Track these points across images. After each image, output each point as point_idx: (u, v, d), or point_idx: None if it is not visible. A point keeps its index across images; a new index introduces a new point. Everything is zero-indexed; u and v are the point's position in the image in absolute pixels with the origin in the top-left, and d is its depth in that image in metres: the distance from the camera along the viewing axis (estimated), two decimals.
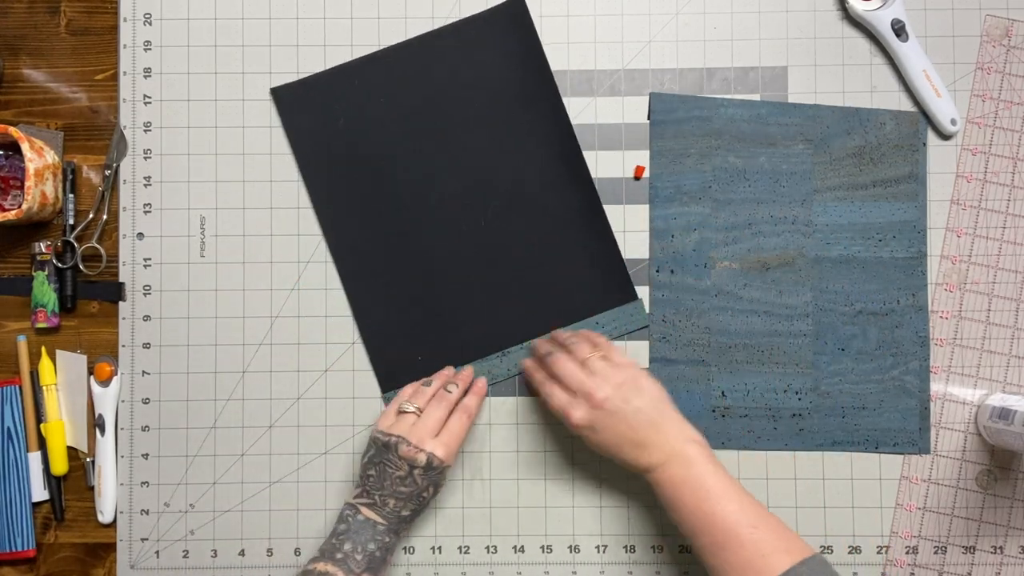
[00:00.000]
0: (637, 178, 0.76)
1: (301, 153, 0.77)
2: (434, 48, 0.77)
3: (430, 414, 0.70)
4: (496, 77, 0.76)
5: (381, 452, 0.68)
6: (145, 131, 0.78)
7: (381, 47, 0.77)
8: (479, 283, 0.76)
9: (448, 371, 0.74)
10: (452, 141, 0.76)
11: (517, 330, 0.76)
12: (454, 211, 0.76)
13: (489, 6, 0.77)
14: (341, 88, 0.76)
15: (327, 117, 0.76)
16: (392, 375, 0.76)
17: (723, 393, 0.75)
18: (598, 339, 0.72)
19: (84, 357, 0.77)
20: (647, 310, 0.76)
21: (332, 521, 0.69)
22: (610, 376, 0.67)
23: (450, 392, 0.71)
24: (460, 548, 0.76)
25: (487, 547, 0.76)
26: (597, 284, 0.76)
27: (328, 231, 0.76)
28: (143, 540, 0.76)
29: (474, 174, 0.76)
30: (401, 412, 0.70)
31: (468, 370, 0.75)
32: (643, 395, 0.67)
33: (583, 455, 0.76)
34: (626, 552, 0.75)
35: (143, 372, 0.77)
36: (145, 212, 0.77)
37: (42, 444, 0.76)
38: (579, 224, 0.76)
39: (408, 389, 0.72)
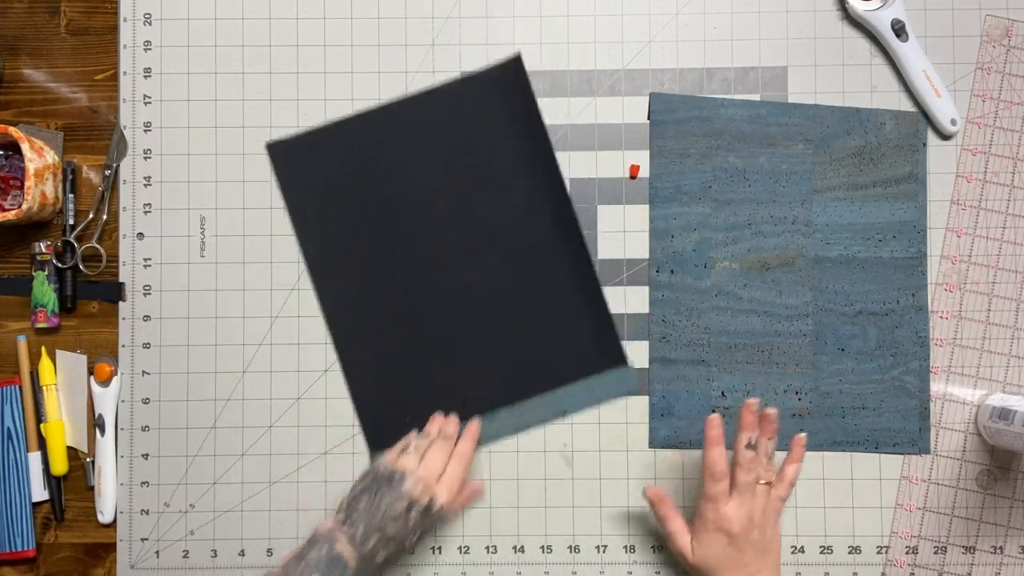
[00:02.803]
0: (632, 177, 0.76)
1: (295, 208, 0.76)
2: (431, 105, 0.76)
3: (433, 457, 0.69)
4: (492, 136, 0.76)
5: (380, 483, 0.66)
6: (145, 131, 0.78)
7: (381, 47, 0.77)
8: (470, 343, 0.75)
9: (440, 418, 0.74)
10: (446, 199, 0.76)
11: (506, 392, 0.75)
12: (446, 270, 0.76)
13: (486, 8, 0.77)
14: (337, 144, 0.76)
15: (322, 172, 0.76)
16: (380, 433, 0.75)
17: (723, 393, 0.75)
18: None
19: (84, 357, 0.77)
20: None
21: None
22: (768, 506, 0.68)
23: (449, 439, 0.71)
24: (460, 548, 0.76)
25: (487, 547, 0.76)
26: (589, 347, 0.75)
27: (320, 287, 0.76)
28: (143, 540, 0.76)
29: (467, 233, 0.76)
30: (404, 453, 0.69)
31: (472, 426, 0.74)
32: (776, 538, 0.68)
33: (583, 455, 0.76)
34: (626, 552, 0.75)
35: (143, 372, 0.77)
36: (145, 212, 0.77)
37: (42, 444, 0.77)
38: (571, 287, 0.75)
39: (403, 443, 0.71)
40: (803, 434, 0.70)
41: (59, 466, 0.76)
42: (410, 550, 0.67)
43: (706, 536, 0.68)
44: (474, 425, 0.74)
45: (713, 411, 0.75)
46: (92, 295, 0.77)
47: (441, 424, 0.72)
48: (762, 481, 0.68)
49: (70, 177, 0.77)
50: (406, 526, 0.65)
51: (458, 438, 0.72)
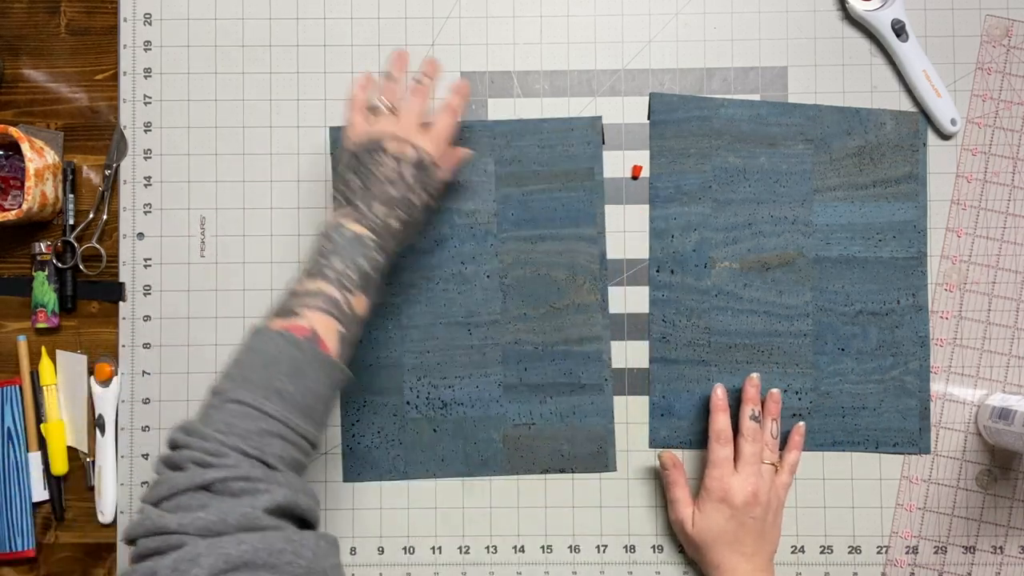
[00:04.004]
0: (635, 177, 0.76)
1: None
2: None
3: (410, 108, 0.64)
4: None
5: (362, 155, 0.62)
6: (145, 131, 0.78)
7: (381, 47, 0.77)
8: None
9: (402, 55, 0.68)
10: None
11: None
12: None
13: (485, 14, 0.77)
14: None
15: None
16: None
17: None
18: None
19: (84, 357, 0.77)
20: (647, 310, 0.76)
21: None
22: (772, 491, 0.70)
23: (421, 83, 0.66)
24: (460, 548, 0.76)
25: (487, 547, 0.76)
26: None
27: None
28: None
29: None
30: (372, 109, 0.64)
31: (433, 61, 0.68)
32: (776, 527, 0.70)
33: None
34: (626, 552, 0.75)
35: (143, 372, 0.77)
36: (145, 212, 0.77)
37: (42, 444, 0.76)
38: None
39: (361, 80, 0.66)
40: (801, 423, 0.72)
41: (59, 466, 0.76)
42: (424, 210, 0.64)
43: (708, 506, 0.69)
44: (462, 83, 0.69)
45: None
46: (92, 295, 0.77)
47: (404, 65, 0.67)
48: (767, 461, 0.69)
49: (70, 177, 0.77)
50: (406, 185, 0.61)
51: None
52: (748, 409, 0.71)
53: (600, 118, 0.77)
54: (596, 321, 0.76)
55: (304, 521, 0.53)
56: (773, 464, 0.70)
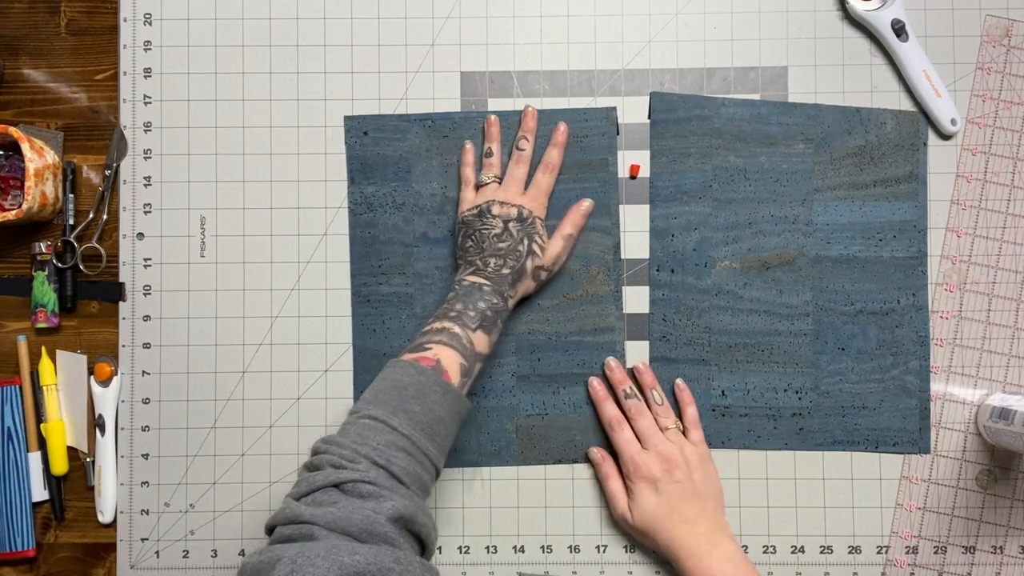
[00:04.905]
0: (633, 177, 0.76)
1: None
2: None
3: (512, 176, 0.74)
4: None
5: (474, 222, 0.71)
6: (145, 131, 0.78)
7: (381, 47, 0.77)
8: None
9: (496, 121, 0.75)
10: None
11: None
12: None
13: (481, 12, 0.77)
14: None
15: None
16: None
17: (723, 392, 0.75)
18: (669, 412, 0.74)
19: (84, 357, 0.77)
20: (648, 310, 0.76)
21: None
22: (685, 449, 0.71)
23: (523, 150, 0.74)
24: (460, 548, 0.76)
25: (487, 547, 0.76)
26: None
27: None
28: (143, 540, 0.76)
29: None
30: (480, 187, 0.73)
31: (530, 112, 0.75)
32: (709, 480, 0.71)
33: (582, 455, 0.76)
34: (626, 552, 0.75)
35: (143, 372, 0.77)
36: (145, 212, 0.77)
37: (42, 444, 0.76)
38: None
39: (466, 157, 0.75)
40: (679, 379, 0.75)
41: (59, 466, 0.76)
42: (531, 255, 0.71)
43: (636, 491, 0.71)
44: (561, 128, 0.75)
45: (629, 394, 0.75)
46: (92, 295, 0.77)
47: (498, 131, 0.75)
48: (668, 426, 0.72)
49: (70, 177, 0.77)
50: (512, 238, 0.70)
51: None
52: (620, 391, 0.73)
53: (615, 109, 0.77)
54: (610, 312, 0.76)
55: (420, 541, 0.57)
56: (676, 427, 0.72)
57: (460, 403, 0.64)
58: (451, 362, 0.64)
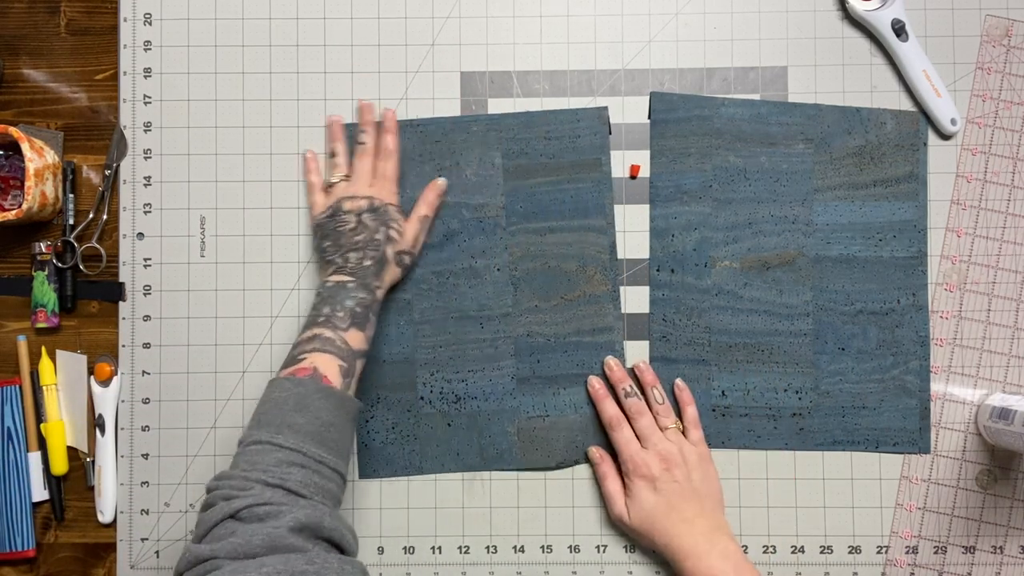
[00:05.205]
0: (633, 177, 0.77)
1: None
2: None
3: (357, 170, 0.74)
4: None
5: (328, 223, 0.71)
6: (145, 131, 0.78)
7: (381, 47, 0.77)
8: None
9: (339, 120, 0.76)
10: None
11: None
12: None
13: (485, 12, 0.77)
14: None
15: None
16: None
17: (723, 392, 0.75)
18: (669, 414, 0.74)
19: (84, 357, 0.77)
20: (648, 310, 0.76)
21: None
22: (685, 449, 0.71)
23: (364, 143, 0.74)
24: (460, 548, 0.76)
25: (487, 547, 0.76)
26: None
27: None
28: (143, 540, 0.76)
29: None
30: (330, 187, 0.74)
31: (365, 106, 0.76)
32: (708, 480, 0.71)
33: (582, 455, 0.76)
34: (626, 552, 0.75)
35: (143, 372, 0.77)
36: (145, 212, 0.77)
37: (42, 444, 0.76)
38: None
39: (309, 164, 0.76)
40: (679, 379, 0.75)
41: (59, 466, 0.76)
42: (389, 242, 0.71)
43: (634, 490, 0.71)
44: (388, 115, 0.76)
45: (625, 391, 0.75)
46: (92, 295, 0.77)
47: (342, 134, 0.76)
48: (667, 426, 0.72)
49: (70, 177, 0.77)
50: (367, 228, 0.70)
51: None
52: (620, 390, 0.73)
53: (606, 108, 0.77)
54: (608, 312, 0.76)
55: (336, 546, 0.56)
56: (675, 426, 0.72)
57: (347, 403, 0.64)
58: (329, 366, 0.64)
